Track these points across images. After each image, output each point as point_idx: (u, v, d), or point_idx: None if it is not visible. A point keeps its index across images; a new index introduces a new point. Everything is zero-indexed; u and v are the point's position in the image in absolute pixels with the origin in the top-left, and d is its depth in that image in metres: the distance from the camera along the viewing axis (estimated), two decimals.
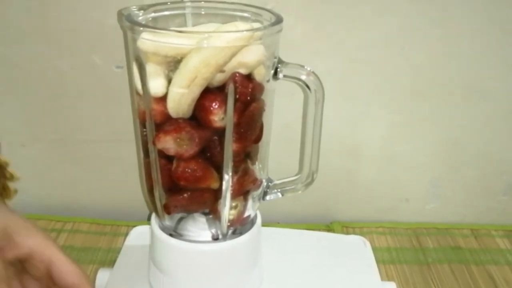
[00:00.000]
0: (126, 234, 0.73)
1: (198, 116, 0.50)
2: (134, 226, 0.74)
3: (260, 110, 0.53)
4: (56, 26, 0.75)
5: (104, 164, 0.87)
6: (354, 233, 0.78)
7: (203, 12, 0.58)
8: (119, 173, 0.87)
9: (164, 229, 0.58)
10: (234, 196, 0.55)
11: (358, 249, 0.69)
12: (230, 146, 0.52)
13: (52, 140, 0.84)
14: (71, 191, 0.89)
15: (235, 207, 0.56)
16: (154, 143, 0.52)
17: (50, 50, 0.77)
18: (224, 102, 0.50)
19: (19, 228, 0.44)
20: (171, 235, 0.57)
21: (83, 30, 0.75)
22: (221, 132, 0.51)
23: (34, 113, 0.82)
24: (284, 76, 0.55)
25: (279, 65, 0.54)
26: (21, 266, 0.46)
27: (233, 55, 0.48)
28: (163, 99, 0.50)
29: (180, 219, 0.57)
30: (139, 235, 0.70)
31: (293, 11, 0.72)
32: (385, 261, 0.80)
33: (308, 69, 0.54)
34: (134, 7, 0.55)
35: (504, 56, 0.78)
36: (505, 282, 0.77)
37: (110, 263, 0.76)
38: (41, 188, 0.87)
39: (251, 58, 0.49)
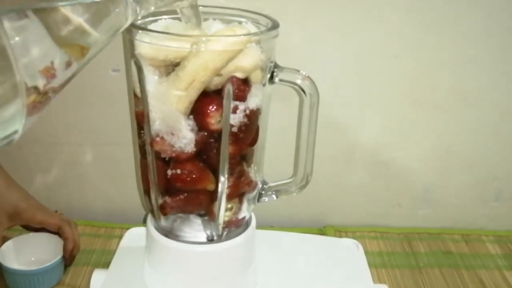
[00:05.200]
0: (121, 237, 0.74)
1: (195, 118, 0.51)
2: (128, 228, 0.74)
3: (256, 114, 0.54)
4: None
5: (99, 167, 0.87)
6: (347, 237, 0.78)
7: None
8: (114, 176, 0.88)
9: (160, 230, 0.58)
10: (229, 198, 0.56)
11: (350, 252, 0.70)
12: (226, 149, 0.53)
13: (48, 143, 0.85)
14: (66, 194, 0.89)
15: (231, 208, 0.57)
16: (151, 145, 0.53)
17: None
18: (221, 105, 0.51)
19: (25, 211, 0.74)
20: (166, 236, 0.57)
21: None
22: (217, 134, 0.52)
23: None
24: (280, 80, 0.56)
25: (275, 70, 0.55)
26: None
27: (231, 59, 0.49)
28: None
29: (176, 220, 0.58)
30: (134, 236, 0.71)
31: (289, 18, 0.74)
32: (377, 265, 0.81)
33: (304, 73, 0.55)
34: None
35: (495, 63, 0.79)
36: (495, 286, 0.78)
37: (105, 265, 0.77)
38: (36, 190, 0.87)
39: (248, 62, 0.50)
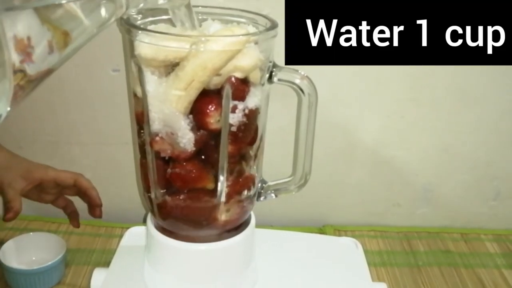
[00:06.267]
0: (121, 236, 0.74)
1: (194, 118, 0.51)
2: (129, 227, 0.74)
3: (255, 113, 0.55)
4: None
5: (99, 167, 0.87)
6: (346, 236, 0.79)
7: (200, 17, 0.59)
8: (114, 176, 0.88)
9: (160, 229, 0.58)
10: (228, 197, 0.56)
11: (350, 251, 0.70)
12: (225, 148, 0.53)
13: (48, 142, 0.85)
14: None
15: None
16: (151, 145, 0.53)
17: None
18: (220, 104, 0.51)
19: (37, 168, 0.74)
20: (166, 235, 0.58)
21: None
22: (216, 134, 0.52)
23: (31, 116, 0.83)
24: (279, 80, 0.56)
25: (274, 69, 0.55)
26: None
27: (230, 59, 0.49)
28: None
29: (176, 219, 0.58)
30: (134, 235, 0.71)
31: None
32: (377, 264, 0.81)
33: (302, 73, 0.55)
34: (133, 11, 0.56)
35: None
36: (494, 285, 0.78)
37: (105, 264, 0.77)
38: None
39: (247, 62, 0.50)
